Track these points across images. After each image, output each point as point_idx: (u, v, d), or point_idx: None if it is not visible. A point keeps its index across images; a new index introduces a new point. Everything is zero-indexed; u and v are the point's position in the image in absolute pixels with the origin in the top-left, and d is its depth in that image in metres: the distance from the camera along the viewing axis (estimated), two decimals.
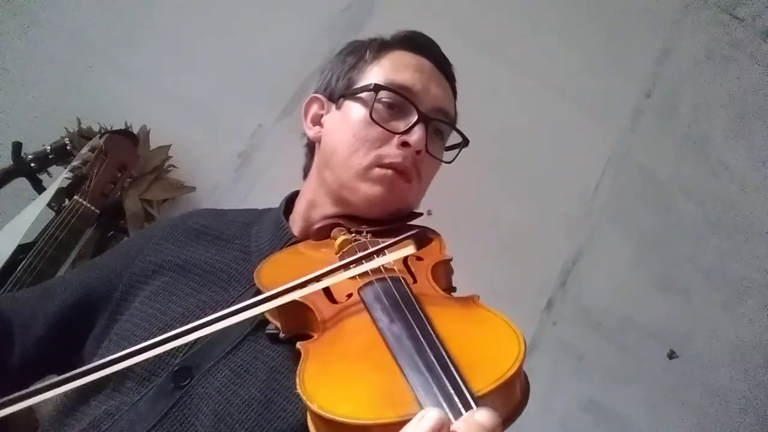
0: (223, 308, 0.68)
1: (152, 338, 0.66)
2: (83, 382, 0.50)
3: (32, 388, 0.48)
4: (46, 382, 0.49)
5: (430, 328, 0.49)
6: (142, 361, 0.64)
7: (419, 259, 0.66)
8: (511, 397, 0.45)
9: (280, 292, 0.56)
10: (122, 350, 0.66)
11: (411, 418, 0.38)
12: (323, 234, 0.76)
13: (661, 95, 1.82)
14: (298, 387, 0.47)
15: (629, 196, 1.74)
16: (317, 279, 0.57)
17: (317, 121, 0.86)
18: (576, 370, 1.60)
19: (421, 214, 0.85)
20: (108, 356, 0.67)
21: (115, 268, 0.79)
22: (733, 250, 1.74)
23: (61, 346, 0.76)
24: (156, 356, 0.64)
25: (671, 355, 1.65)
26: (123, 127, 1.42)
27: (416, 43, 0.84)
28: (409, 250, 0.63)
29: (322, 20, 1.67)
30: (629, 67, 1.82)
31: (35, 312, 0.76)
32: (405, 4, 1.69)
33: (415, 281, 0.62)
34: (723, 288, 1.71)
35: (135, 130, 1.44)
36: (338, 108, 0.82)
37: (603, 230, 1.71)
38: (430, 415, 0.38)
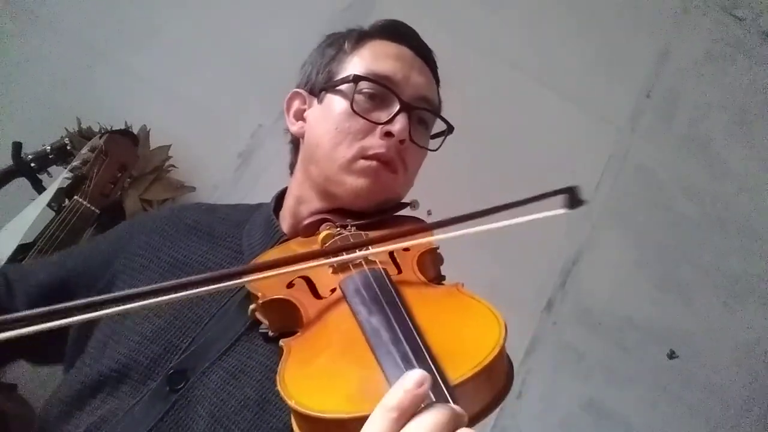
0: (216, 309, 0.68)
1: (145, 340, 0.66)
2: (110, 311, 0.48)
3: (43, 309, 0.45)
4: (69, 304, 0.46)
5: (408, 319, 0.49)
6: (140, 359, 0.65)
7: (406, 249, 0.66)
8: (492, 383, 0.45)
9: (257, 266, 0.55)
10: (116, 353, 0.66)
11: None
12: (312, 230, 0.75)
13: (661, 95, 1.82)
14: (277, 384, 0.46)
15: (629, 196, 1.74)
16: (293, 261, 0.56)
17: (300, 116, 0.85)
18: (576, 370, 1.60)
19: (408, 204, 0.83)
20: (100, 357, 0.67)
21: (101, 257, 0.78)
22: (733, 250, 1.74)
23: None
24: (151, 360, 0.64)
25: (671, 355, 1.65)
26: (123, 127, 1.42)
27: (395, 31, 0.83)
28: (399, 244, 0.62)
29: (322, 20, 1.66)
30: (629, 67, 1.82)
31: (14, 290, 0.75)
32: (405, 4, 1.69)
33: (399, 271, 0.62)
34: (723, 288, 1.71)
35: (135, 130, 1.44)
36: (320, 102, 0.81)
37: (603, 230, 1.71)
38: (412, 373, 0.38)
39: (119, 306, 0.48)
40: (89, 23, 1.58)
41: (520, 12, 1.80)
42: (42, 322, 0.44)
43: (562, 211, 0.59)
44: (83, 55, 1.56)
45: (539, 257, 1.64)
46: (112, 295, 0.47)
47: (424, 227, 0.67)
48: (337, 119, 0.77)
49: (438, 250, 0.69)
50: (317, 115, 0.81)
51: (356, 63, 0.79)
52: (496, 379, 0.45)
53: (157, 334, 0.66)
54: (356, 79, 0.76)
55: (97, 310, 0.47)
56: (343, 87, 0.78)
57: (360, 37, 0.83)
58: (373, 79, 0.76)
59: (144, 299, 0.48)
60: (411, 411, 0.37)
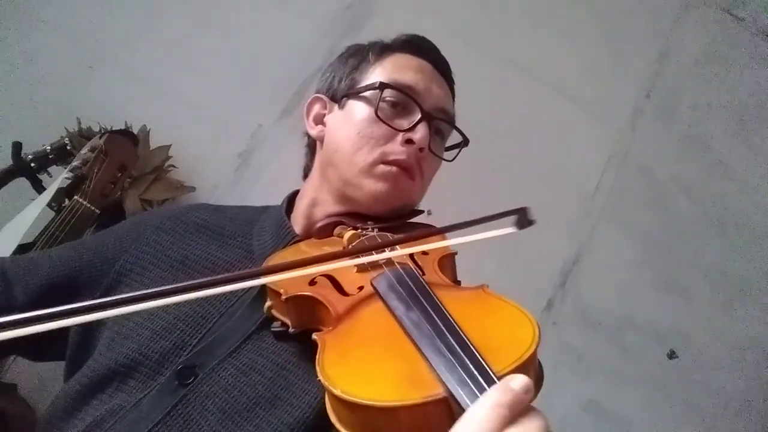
0: (226, 306, 0.68)
1: (155, 336, 0.66)
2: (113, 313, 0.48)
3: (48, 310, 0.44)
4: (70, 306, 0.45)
5: (447, 314, 0.50)
6: (149, 354, 0.65)
7: (425, 253, 0.67)
8: None
9: (289, 264, 0.56)
10: (125, 347, 0.66)
11: (435, 399, 0.40)
12: (326, 232, 0.76)
13: (661, 95, 1.83)
14: (318, 374, 0.46)
15: (629, 196, 1.74)
16: (324, 260, 0.57)
17: (320, 120, 0.87)
18: (576, 370, 1.60)
19: (422, 211, 0.86)
20: (108, 351, 0.67)
21: (108, 253, 0.77)
22: (733, 250, 1.74)
23: None
24: (160, 355, 0.65)
25: (671, 355, 1.65)
26: (123, 127, 1.42)
27: (417, 46, 0.86)
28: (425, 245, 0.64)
29: (322, 20, 1.67)
30: (629, 67, 1.82)
31: (15, 284, 0.74)
32: (405, 4, 1.69)
33: (423, 274, 0.63)
34: (723, 288, 1.71)
35: (135, 130, 1.44)
36: (341, 107, 0.83)
37: (603, 230, 1.71)
38: (521, 378, 0.40)
39: (136, 305, 0.48)
40: (89, 23, 1.58)
41: (520, 12, 1.80)
42: (48, 322, 0.44)
43: (512, 230, 0.61)
44: (83, 55, 1.56)
45: (539, 257, 1.64)
46: (130, 294, 0.48)
47: (439, 232, 0.68)
48: (359, 124, 0.79)
49: (455, 256, 0.71)
50: (338, 120, 0.83)
51: (379, 73, 0.82)
52: (531, 377, 0.46)
53: (167, 330, 0.66)
54: (382, 86, 0.78)
55: (110, 309, 0.48)
56: (367, 94, 0.80)
57: (383, 50, 0.85)
58: (398, 87, 0.79)
59: (163, 298, 0.49)
60: (516, 413, 0.39)
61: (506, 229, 0.61)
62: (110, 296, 0.72)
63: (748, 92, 1.85)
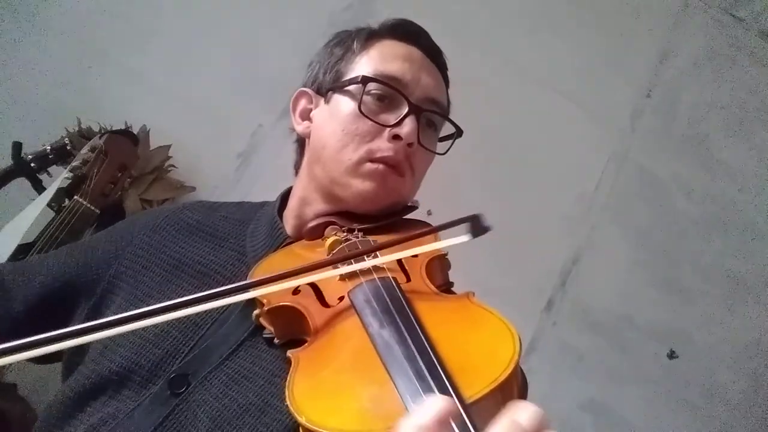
0: (219, 312, 0.67)
1: (148, 343, 0.66)
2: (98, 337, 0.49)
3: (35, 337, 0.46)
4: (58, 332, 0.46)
5: (420, 333, 0.48)
6: (142, 362, 0.64)
7: (414, 256, 0.64)
8: (507, 398, 0.44)
9: (264, 279, 0.55)
10: (118, 355, 0.65)
11: None
12: (317, 233, 0.74)
13: (661, 95, 1.82)
14: (287, 399, 0.46)
15: (629, 196, 1.74)
16: (302, 272, 0.56)
17: (306, 115, 0.84)
18: (576, 370, 1.60)
19: (416, 207, 0.82)
20: (101, 359, 0.66)
21: (102, 257, 0.76)
22: (733, 250, 1.74)
23: (37, 331, 0.75)
24: (153, 364, 0.64)
25: (671, 355, 1.65)
26: (123, 127, 1.42)
27: (405, 31, 0.82)
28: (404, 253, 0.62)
29: (322, 20, 1.66)
30: (629, 67, 1.82)
31: (13, 292, 0.74)
32: (405, 4, 1.69)
33: (408, 279, 0.61)
34: (723, 288, 1.71)
35: (135, 130, 1.44)
36: (327, 102, 0.80)
37: (603, 230, 1.70)
38: (433, 404, 0.36)
39: (123, 326, 0.49)
40: (89, 23, 1.58)
41: (521, 12, 1.80)
42: (44, 346, 0.45)
43: (466, 238, 0.59)
44: (83, 55, 1.56)
45: (539, 257, 1.64)
46: (116, 317, 0.48)
47: (431, 232, 0.66)
48: (344, 120, 0.75)
49: (446, 256, 0.68)
50: (324, 116, 0.80)
51: (365, 63, 0.78)
52: (511, 395, 0.45)
53: (159, 338, 0.65)
54: (364, 80, 0.74)
55: (102, 330, 0.48)
56: (351, 88, 0.76)
57: (369, 37, 0.81)
58: (382, 80, 0.75)
59: (150, 318, 0.49)
60: None
61: (460, 238, 0.59)
62: (106, 300, 0.73)
63: (748, 92, 1.85)
